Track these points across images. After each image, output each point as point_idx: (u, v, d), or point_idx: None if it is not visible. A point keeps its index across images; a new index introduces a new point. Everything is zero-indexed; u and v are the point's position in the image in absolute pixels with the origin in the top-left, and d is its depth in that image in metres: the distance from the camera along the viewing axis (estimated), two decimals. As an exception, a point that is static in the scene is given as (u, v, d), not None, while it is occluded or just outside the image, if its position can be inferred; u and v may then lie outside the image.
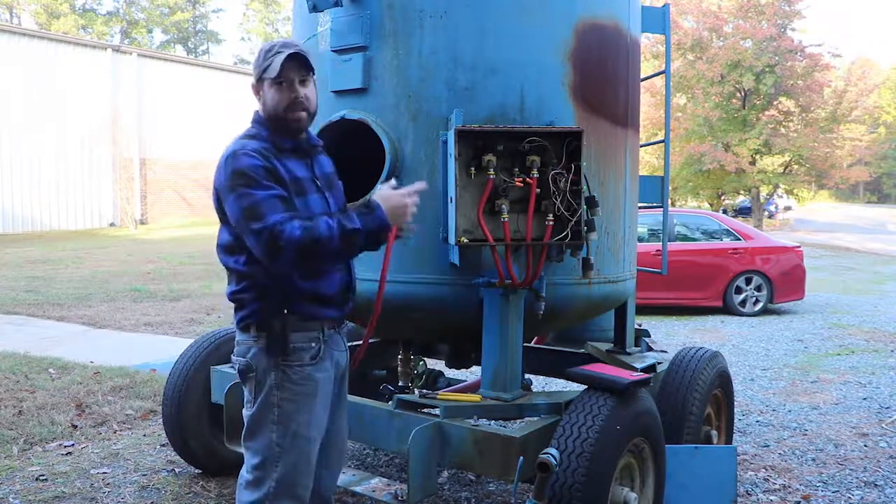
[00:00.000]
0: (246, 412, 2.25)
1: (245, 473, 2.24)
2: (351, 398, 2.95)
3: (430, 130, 2.93)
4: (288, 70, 2.17)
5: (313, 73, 2.27)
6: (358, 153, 3.19)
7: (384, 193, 2.22)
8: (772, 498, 3.66)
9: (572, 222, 2.69)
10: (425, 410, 2.87)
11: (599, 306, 3.41)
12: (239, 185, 2.07)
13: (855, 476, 3.95)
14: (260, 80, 2.22)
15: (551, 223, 2.70)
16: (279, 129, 2.23)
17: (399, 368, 3.79)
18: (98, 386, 5.36)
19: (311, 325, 2.22)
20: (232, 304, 2.29)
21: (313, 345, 2.22)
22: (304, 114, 2.22)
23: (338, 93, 3.11)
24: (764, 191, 28.77)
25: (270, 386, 2.18)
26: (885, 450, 4.38)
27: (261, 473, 2.20)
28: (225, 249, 2.26)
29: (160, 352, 6.61)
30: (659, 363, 3.60)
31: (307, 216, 2.12)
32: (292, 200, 2.14)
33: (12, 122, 21.50)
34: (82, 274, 12.53)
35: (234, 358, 2.29)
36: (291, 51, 2.17)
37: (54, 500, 3.48)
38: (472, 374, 4.96)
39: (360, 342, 3.16)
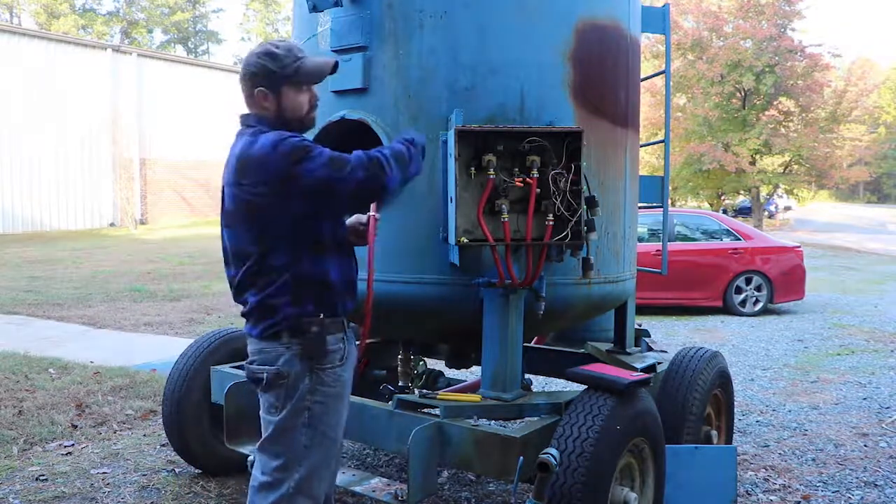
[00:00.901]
0: (270, 417, 2.20)
1: (260, 476, 2.21)
2: (351, 398, 2.95)
3: (430, 130, 2.92)
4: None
5: None
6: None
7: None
8: (772, 498, 3.66)
9: (572, 222, 2.69)
10: (425, 410, 2.87)
11: (599, 306, 3.41)
12: (305, 154, 2.09)
13: (855, 476, 3.95)
14: (279, 82, 2.20)
15: (551, 223, 2.70)
16: (296, 129, 2.25)
17: (399, 368, 3.78)
18: (98, 386, 5.36)
19: (339, 326, 2.25)
20: (236, 305, 2.25)
21: (341, 345, 2.25)
22: (315, 113, 2.31)
23: (338, 93, 3.11)
24: (764, 191, 28.77)
25: (303, 391, 2.17)
26: (885, 450, 4.38)
27: (281, 475, 2.17)
28: (268, 254, 2.15)
29: (160, 352, 6.61)
30: (659, 363, 3.60)
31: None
32: None
33: (12, 122, 21.48)
34: (82, 274, 12.53)
35: (255, 367, 2.21)
36: (333, 60, 2.28)
37: (54, 500, 3.48)
38: (472, 374, 4.96)
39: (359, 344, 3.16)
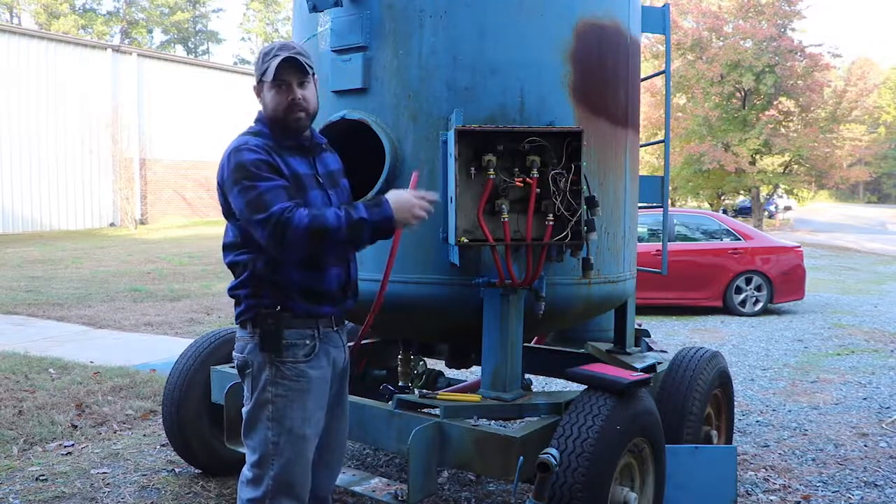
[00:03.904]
0: (244, 409, 2.28)
1: (245, 471, 2.27)
2: (351, 398, 2.94)
3: (430, 130, 2.93)
4: (284, 73, 2.20)
5: (313, 75, 2.29)
6: (358, 153, 3.18)
7: (395, 191, 2.27)
8: (772, 498, 3.66)
9: (572, 222, 2.69)
10: (425, 410, 2.87)
11: (599, 306, 3.41)
12: (241, 178, 2.12)
13: (855, 476, 3.95)
14: (260, 82, 2.26)
15: (551, 223, 2.70)
16: (280, 128, 2.26)
17: (399, 368, 3.79)
18: (98, 386, 5.36)
19: (305, 322, 2.24)
20: (232, 302, 2.33)
21: (307, 342, 2.24)
22: (302, 114, 2.25)
23: (338, 93, 3.11)
24: (764, 191, 28.77)
25: (265, 382, 2.21)
26: (885, 450, 4.38)
27: (259, 471, 2.22)
28: (228, 247, 2.30)
29: (160, 352, 6.61)
30: (659, 363, 3.60)
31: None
32: (294, 193, 2.19)
33: (12, 121, 21.48)
34: (82, 274, 12.53)
35: (234, 355, 2.33)
36: (287, 54, 2.19)
37: (54, 500, 3.48)
38: (472, 374, 4.96)
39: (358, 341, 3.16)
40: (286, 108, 2.23)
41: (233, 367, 3.44)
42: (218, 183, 2.24)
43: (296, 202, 2.11)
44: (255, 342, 2.22)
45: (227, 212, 2.25)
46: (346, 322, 2.57)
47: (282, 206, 2.07)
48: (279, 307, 2.20)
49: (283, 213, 2.06)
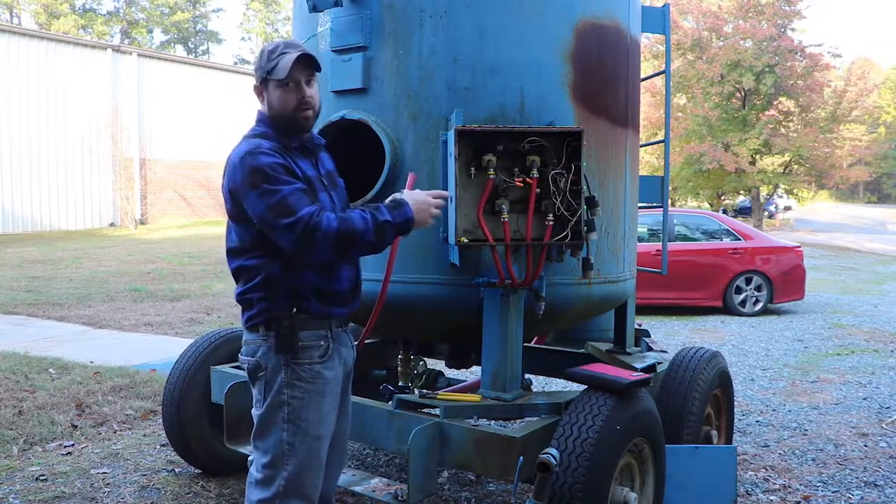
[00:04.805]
0: (255, 411, 2.25)
1: (254, 472, 2.25)
2: (351, 398, 2.95)
3: (430, 130, 2.93)
4: (295, 71, 2.19)
5: (318, 73, 2.29)
6: (358, 153, 3.19)
7: (410, 192, 2.29)
8: (772, 498, 3.66)
9: (572, 222, 2.69)
10: (425, 410, 2.87)
11: (599, 306, 3.41)
12: (260, 182, 2.08)
13: (855, 476, 3.95)
14: (264, 81, 2.23)
15: (551, 223, 2.70)
16: (286, 128, 2.24)
17: (399, 368, 3.79)
18: (98, 386, 5.36)
19: (319, 324, 2.24)
20: (237, 306, 2.31)
21: (322, 343, 2.24)
22: (310, 113, 2.25)
23: (338, 93, 3.11)
24: (764, 191, 28.76)
25: (280, 384, 2.19)
26: (885, 450, 4.38)
27: (271, 472, 2.20)
28: (235, 252, 2.26)
29: (160, 352, 6.62)
30: (659, 363, 3.60)
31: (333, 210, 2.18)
32: (312, 195, 2.18)
33: (12, 121, 21.48)
34: (82, 274, 12.52)
35: (241, 358, 2.30)
36: (299, 52, 2.18)
37: (54, 500, 3.48)
38: (472, 374, 4.96)
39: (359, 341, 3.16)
40: (295, 106, 2.21)
41: (233, 367, 3.47)
42: (227, 187, 2.18)
43: (320, 206, 2.10)
44: (269, 345, 2.20)
45: (239, 216, 2.19)
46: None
47: (309, 210, 2.06)
48: (294, 309, 2.19)
49: (311, 217, 2.04)
